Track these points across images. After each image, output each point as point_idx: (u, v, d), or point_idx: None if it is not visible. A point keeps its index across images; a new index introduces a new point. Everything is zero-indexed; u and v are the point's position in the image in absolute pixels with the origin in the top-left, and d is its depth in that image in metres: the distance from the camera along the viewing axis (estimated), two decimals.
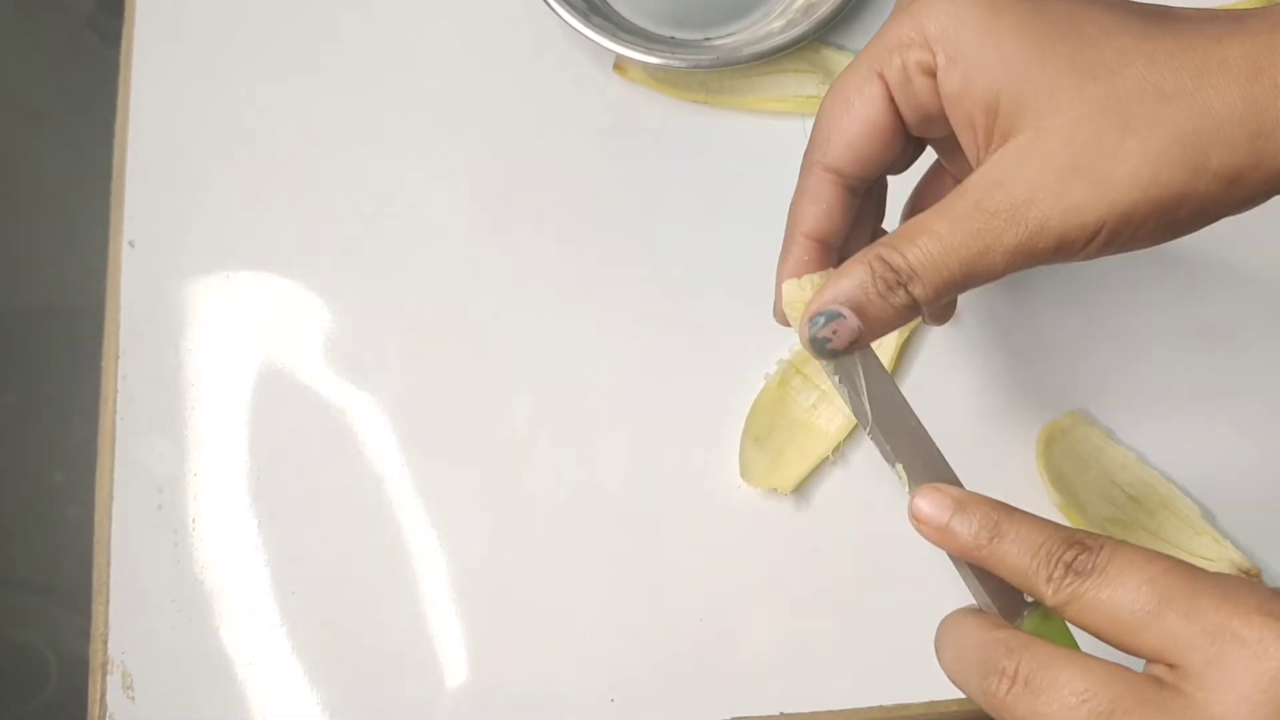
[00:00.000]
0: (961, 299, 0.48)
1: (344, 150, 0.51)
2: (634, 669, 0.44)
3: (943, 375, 0.48)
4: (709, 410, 0.47)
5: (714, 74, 0.51)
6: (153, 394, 0.47)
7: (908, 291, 0.33)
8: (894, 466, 0.35)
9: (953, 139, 0.35)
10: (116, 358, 0.48)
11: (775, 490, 0.46)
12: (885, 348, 0.47)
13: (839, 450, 0.46)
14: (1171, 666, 0.29)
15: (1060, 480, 0.46)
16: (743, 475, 0.46)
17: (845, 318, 0.34)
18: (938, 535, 0.33)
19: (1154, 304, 0.49)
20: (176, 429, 0.47)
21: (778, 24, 0.51)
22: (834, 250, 0.37)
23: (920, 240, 0.33)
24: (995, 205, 0.32)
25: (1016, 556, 0.32)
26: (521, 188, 0.50)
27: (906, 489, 0.35)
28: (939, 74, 0.33)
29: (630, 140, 0.51)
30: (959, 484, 0.35)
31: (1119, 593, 0.30)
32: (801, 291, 0.36)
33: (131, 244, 0.49)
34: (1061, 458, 0.46)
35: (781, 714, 0.44)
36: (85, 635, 0.46)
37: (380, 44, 0.52)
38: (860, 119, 0.35)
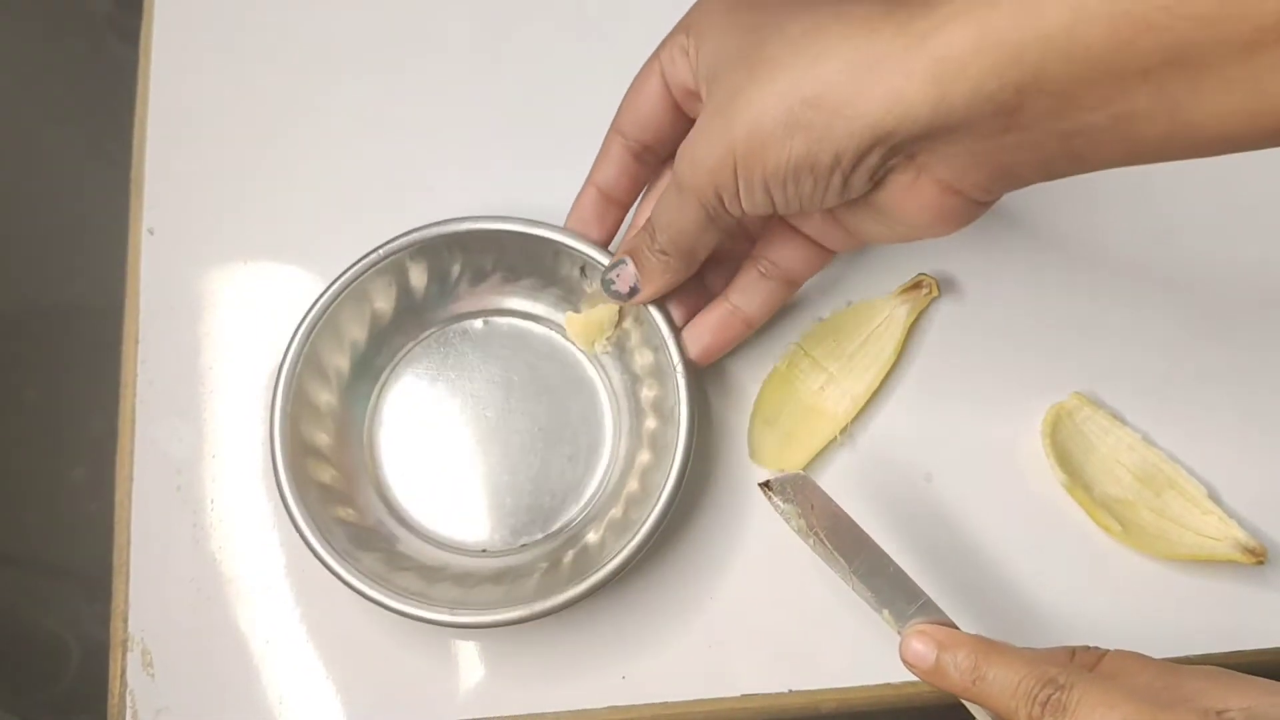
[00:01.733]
0: (969, 279, 0.49)
1: (360, 138, 0.52)
2: (645, 646, 0.45)
3: (950, 356, 0.48)
4: (720, 392, 0.48)
5: None
6: (172, 378, 0.48)
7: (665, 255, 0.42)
8: (880, 613, 0.38)
9: None
10: (136, 342, 0.49)
11: (784, 471, 0.46)
12: (893, 329, 0.48)
13: (846, 431, 0.47)
14: None
15: (1066, 460, 0.46)
16: (752, 456, 0.47)
17: (626, 263, 0.43)
18: (928, 677, 0.37)
19: (1160, 287, 0.49)
20: (195, 412, 0.48)
21: (593, 536, 0.45)
22: (619, 205, 0.45)
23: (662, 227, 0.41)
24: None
25: (998, 696, 0.35)
26: (534, 175, 0.51)
27: (896, 632, 0.37)
28: (690, 58, 0.39)
29: None
30: (943, 614, 0.38)
31: None
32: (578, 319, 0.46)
33: (151, 231, 0.50)
34: (1067, 438, 0.47)
35: (790, 690, 0.44)
36: (105, 622, 0.46)
37: (395, 33, 0.53)
38: (643, 94, 0.41)
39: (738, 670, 0.44)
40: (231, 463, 0.47)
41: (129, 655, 0.45)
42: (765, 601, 0.45)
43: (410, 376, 0.48)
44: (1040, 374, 0.48)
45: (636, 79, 0.42)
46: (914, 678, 0.44)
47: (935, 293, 0.48)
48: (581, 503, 0.46)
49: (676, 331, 0.44)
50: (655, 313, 0.44)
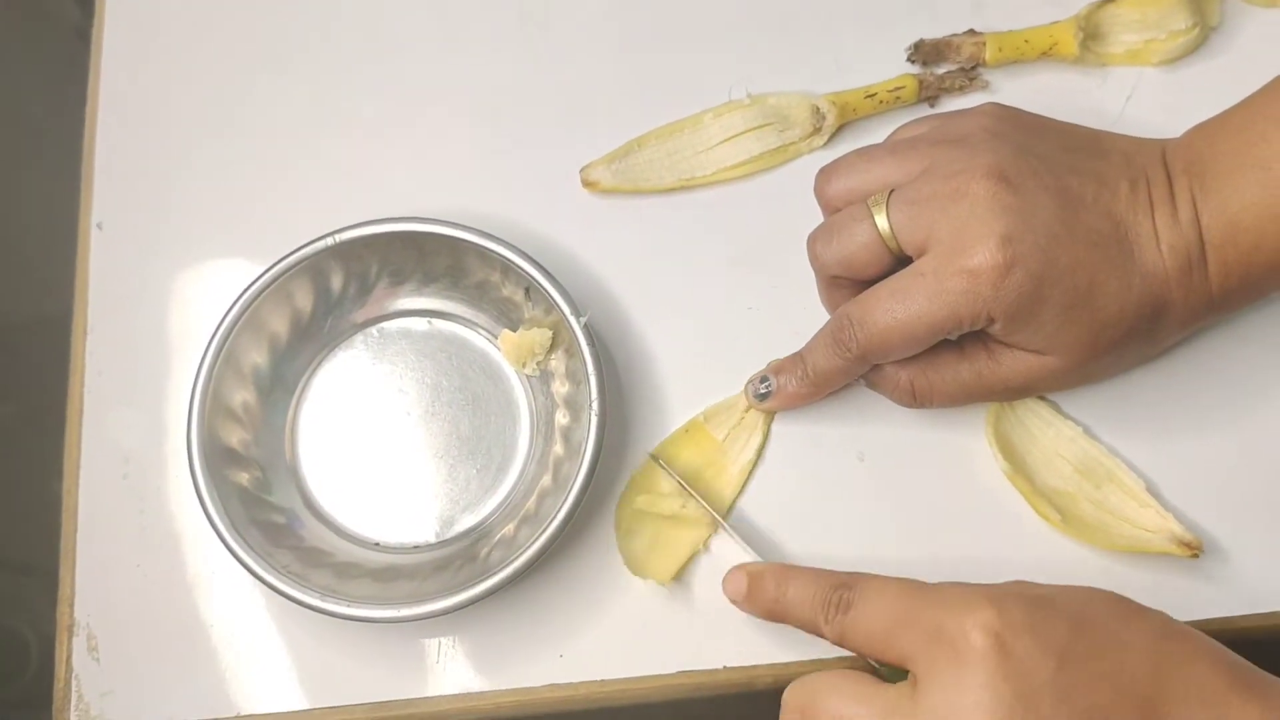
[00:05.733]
0: None
1: (310, 133, 0.53)
2: (582, 627, 0.46)
3: None
4: (634, 371, 0.49)
5: (677, 160, 0.51)
6: (121, 368, 0.49)
7: (920, 405, 0.46)
8: (748, 551, 0.44)
9: None
10: (85, 334, 0.49)
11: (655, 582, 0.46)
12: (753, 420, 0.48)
13: (714, 534, 0.47)
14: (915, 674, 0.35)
15: (1009, 451, 0.47)
16: (627, 565, 0.46)
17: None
18: (745, 603, 0.42)
19: None
20: (143, 402, 0.49)
21: (483, 550, 0.45)
22: None
23: (946, 386, 0.46)
24: None
25: (800, 606, 0.40)
26: (492, 168, 0.52)
27: None
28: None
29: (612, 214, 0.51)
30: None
31: (868, 616, 0.37)
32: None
33: (99, 226, 0.51)
34: (1010, 429, 0.47)
35: (725, 667, 0.45)
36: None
37: (344, 30, 0.54)
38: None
39: (674, 647, 0.45)
40: (179, 451, 0.47)
41: (75, 640, 0.46)
42: (695, 581, 0.46)
43: (345, 361, 0.49)
44: None
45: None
46: (847, 652, 0.45)
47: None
48: (479, 517, 0.47)
49: (601, 370, 0.44)
50: (585, 348, 0.44)
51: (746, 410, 0.47)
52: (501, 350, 0.48)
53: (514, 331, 0.48)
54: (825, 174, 0.46)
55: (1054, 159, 0.42)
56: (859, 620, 0.38)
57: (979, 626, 0.34)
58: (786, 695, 0.38)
